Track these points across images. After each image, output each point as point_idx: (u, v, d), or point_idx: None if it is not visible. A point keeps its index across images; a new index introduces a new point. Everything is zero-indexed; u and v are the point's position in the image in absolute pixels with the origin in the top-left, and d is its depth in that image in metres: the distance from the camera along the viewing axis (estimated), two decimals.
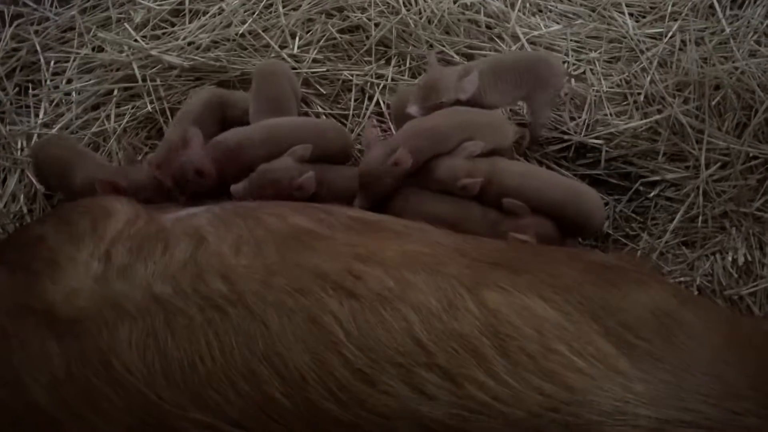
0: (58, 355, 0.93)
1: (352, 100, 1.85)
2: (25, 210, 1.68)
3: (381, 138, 1.53)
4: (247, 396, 0.88)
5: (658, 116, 1.78)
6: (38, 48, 1.96)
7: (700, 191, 1.67)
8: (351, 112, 1.83)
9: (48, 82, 1.91)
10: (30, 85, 1.92)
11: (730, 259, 1.58)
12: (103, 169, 1.50)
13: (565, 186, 1.49)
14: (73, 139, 1.76)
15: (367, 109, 1.84)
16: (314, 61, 1.90)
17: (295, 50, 1.91)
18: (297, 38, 1.93)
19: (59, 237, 1.09)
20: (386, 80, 1.87)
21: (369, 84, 1.87)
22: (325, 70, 1.88)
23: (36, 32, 2.01)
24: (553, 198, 1.43)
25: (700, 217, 1.64)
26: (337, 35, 1.93)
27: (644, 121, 1.78)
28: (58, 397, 0.91)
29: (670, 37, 1.95)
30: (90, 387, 0.91)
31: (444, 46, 1.90)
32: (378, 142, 1.47)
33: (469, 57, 1.90)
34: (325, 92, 1.86)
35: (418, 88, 1.56)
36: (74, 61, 1.94)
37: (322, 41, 1.93)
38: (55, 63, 1.95)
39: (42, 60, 1.95)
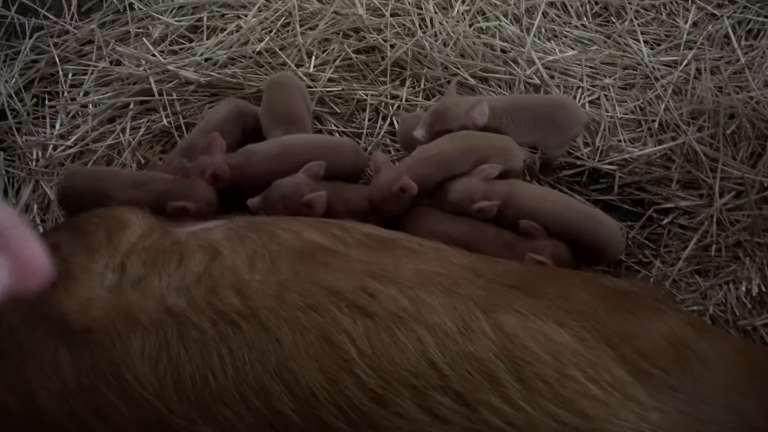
0: (69, 364, 0.93)
1: (366, 119, 1.86)
2: (38, 220, 1.69)
3: (390, 162, 1.53)
4: (258, 412, 0.87)
5: (672, 144, 1.78)
6: (57, 60, 1.99)
7: (714, 220, 1.66)
8: (365, 131, 1.84)
9: (65, 94, 1.93)
10: (47, 97, 1.94)
11: (743, 289, 1.57)
12: (153, 186, 1.43)
13: (583, 212, 1.48)
14: (96, 168, 1.73)
15: (380, 128, 1.85)
16: (330, 80, 1.91)
17: (311, 69, 1.92)
18: (313, 57, 1.95)
19: (74, 247, 1.10)
20: (400, 101, 1.88)
21: (383, 104, 1.88)
22: (340, 89, 1.90)
23: (55, 45, 2.03)
24: (570, 223, 1.42)
25: (714, 246, 1.63)
26: (353, 55, 1.95)
27: (658, 147, 1.78)
28: (68, 407, 0.90)
29: (685, 65, 1.95)
30: (100, 398, 0.90)
31: (459, 68, 1.92)
32: (386, 167, 1.48)
33: (484, 80, 1.91)
34: (339, 111, 1.87)
35: (428, 113, 1.56)
36: (92, 73, 1.96)
37: (338, 61, 1.94)
38: (73, 75, 1.97)
39: (60, 72, 1.97)
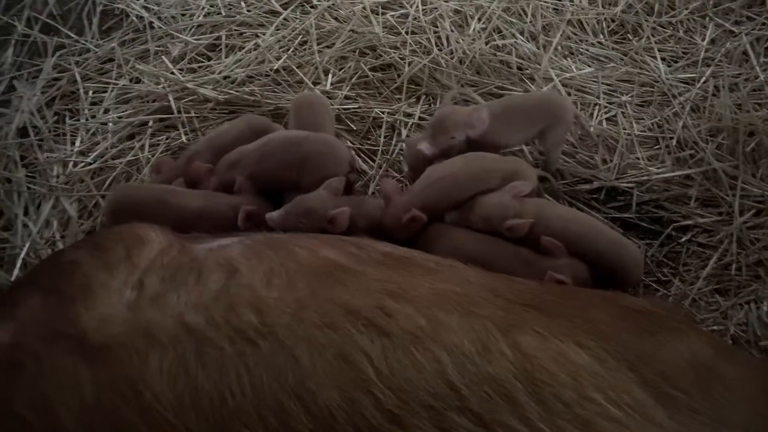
0: (88, 381, 0.93)
1: (382, 136, 1.87)
2: (57, 236, 1.70)
3: (398, 189, 1.52)
4: (275, 431, 0.86)
5: (695, 170, 1.77)
6: (78, 78, 2.02)
7: (734, 238, 1.64)
8: (380, 148, 1.84)
9: (86, 111, 1.96)
10: (68, 114, 1.97)
11: (765, 308, 1.54)
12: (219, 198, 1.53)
13: (609, 236, 1.47)
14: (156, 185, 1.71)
15: (395, 145, 1.85)
16: (346, 97, 1.93)
17: (328, 87, 1.94)
18: (330, 75, 1.96)
19: (93, 263, 1.10)
20: (415, 118, 1.89)
21: (399, 121, 1.89)
22: (356, 106, 1.91)
23: (77, 63, 2.07)
24: (596, 247, 1.42)
25: (734, 265, 1.61)
26: (369, 73, 1.96)
27: (679, 172, 1.76)
28: (86, 424, 0.90)
29: (703, 83, 1.95)
30: (119, 415, 0.90)
31: (475, 86, 1.92)
32: (396, 195, 1.47)
33: (499, 98, 1.91)
34: (355, 128, 1.88)
35: (428, 124, 1.57)
36: (112, 91, 1.99)
37: (354, 78, 1.96)
38: (93, 93, 2.00)
39: (81, 90, 2.00)
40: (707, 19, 2.15)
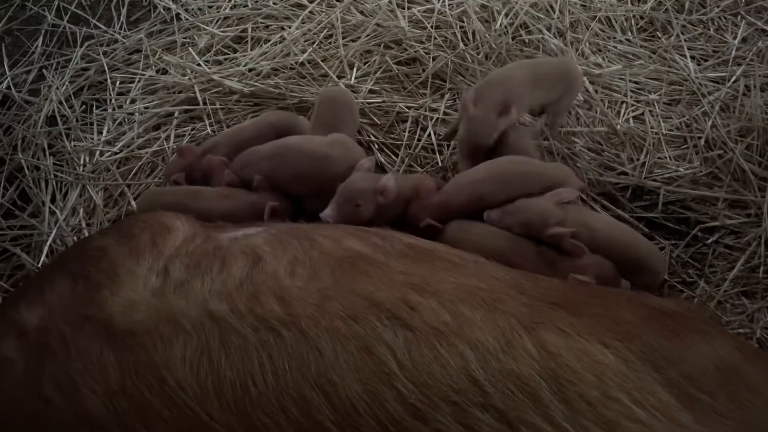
0: (113, 366, 0.94)
1: (407, 131, 1.86)
2: (83, 224, 1.72)
3: (433, 189, 1.50)
4: (296, 422, 0.86)
5: (722, 169, 1.74)
6: (106, 68, 2.04)
7: (762, 241, 1.61)
8: (404, 143, 1.84)
9: (113, 101, 1.98)
10: (95, 104, 1.99)
11: None
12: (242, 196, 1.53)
13: (646, 243, 1.48)
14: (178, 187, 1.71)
15: (419, 140, 1.84)
16: (370, 91, 1.92)
17: (353, 80, 1.94)
18: (355, 69, 1.96)
19: (120, 250, 1.11)
20: (439, 114, 1.88)
21: (422, 116, 1.88)
22: (381, 101, 1.90)
23: (104, 53, 2.09)
24: (636, 254, 1.42)
25: (762, 268, 1.59)
26: (394, 67, 1.95)
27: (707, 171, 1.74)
28: (111, 409, 0.91)
29: (734, 82, 1.91)
30: (143, 401, 0.91)
31: None
32: (426, 195, 1.46)
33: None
34: (379, 122, 1.88)
35: (459, 142, 1.55)
36: (139, 82, 2.01)
37: (379, 72, 1.95)
38: (120, 83, 2.02)
39: (108, 80, 2.02)
40: (739, 17, 2.12)
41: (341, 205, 1.41)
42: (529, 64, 1.69)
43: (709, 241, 1.66)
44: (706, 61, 2.01)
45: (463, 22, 2.06)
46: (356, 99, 1.88)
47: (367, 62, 1.99)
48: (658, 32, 2.09)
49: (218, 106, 1.92)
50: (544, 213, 1.39)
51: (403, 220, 1.48)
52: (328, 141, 1.56)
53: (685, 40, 2.04)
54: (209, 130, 1.87)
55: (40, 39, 2.14)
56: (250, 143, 1.61)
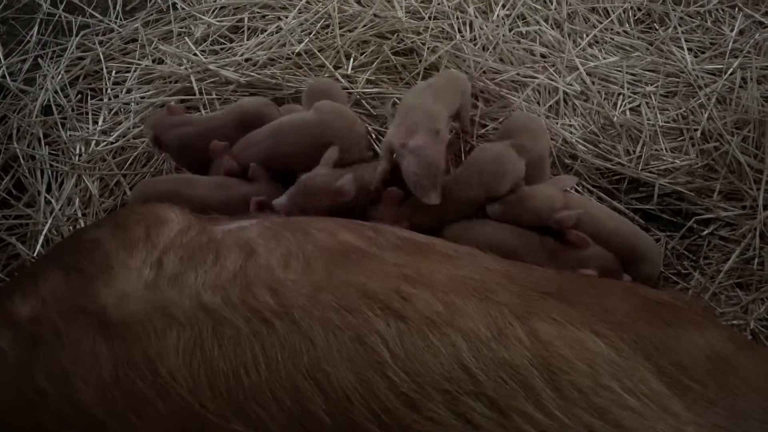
0: (106, 357, 0.94)
1: None
2: (79, 213, 1.72)
3: (398, 198, 1.48)
4: (289, 412, 0.87)
5: (717, 160, 1.74)
6: (101, 58, 2.03)
7: (758, 232, 1.61)
8: None
9: (109, 90, 1.97)
10: (91, 93, 1.98)
11: None
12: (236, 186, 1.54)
13: (644, 235, 1.49)
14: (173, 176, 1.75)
15: None
16: (367, 81, 1.92)
17: (349, 71, 1.93)
18: (351, 59, 1.95)
19: (114, 242, 1.11)
20: None
21: None
22: (377, 91, 1.90)
23: (100, 42, 2.08)
24: (635, 243, 1.44)
25: (756, 259, 1.59)
26: (392, 57, 1.95)
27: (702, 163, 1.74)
28: (104, 399, 0.91)
29: (730, 74, 1.91)
30: (136, 392, 0.91)
31: (498, 73, 1.90)
32: (390, 205, 1.46)
33: (523, 85, 1.89)
34: (376, 113, 1.87)
35: (416, 178, 1.42)
36: (135, 71, 2.00)
37: (376, 63, 1.95)
38: (116, 73, 2.01)
39: (104, 69, 2.01)
40: (736, 9, 2.11)
41: (295, 196, 1.41)
42: (426, 86, 1.64)
43: (705, 233, 1.66)
44: (703, 53, 2.00)
45: (462, 12, 2.05)
46: (353, 89, 1.87)
47: (363, 53, 1.98)
48: (655, 24, 2.09)
49: (214, 96, 1.91)
50: (551, 198, 1.40)
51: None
52: (316, 108, 1.58)
53: (682, 32, 2.04)
54: None
55: (36, 28, 2.13)
56: (219, 130, 1.61)
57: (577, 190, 1.69)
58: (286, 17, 2.07)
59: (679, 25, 2.06)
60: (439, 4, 2.06)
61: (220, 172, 1.56)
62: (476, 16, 2.04)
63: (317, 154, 1.51)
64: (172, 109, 1.64)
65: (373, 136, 1.83)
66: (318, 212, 1.38)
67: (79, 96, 1.97)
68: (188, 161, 1.67)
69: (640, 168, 1.74)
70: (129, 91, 1.96)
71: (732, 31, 2.03)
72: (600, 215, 1.43)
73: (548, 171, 1.57)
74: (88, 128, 1.89)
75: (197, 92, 1.91)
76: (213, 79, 1.94)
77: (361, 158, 1.59)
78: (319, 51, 1.96)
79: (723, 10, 2.11)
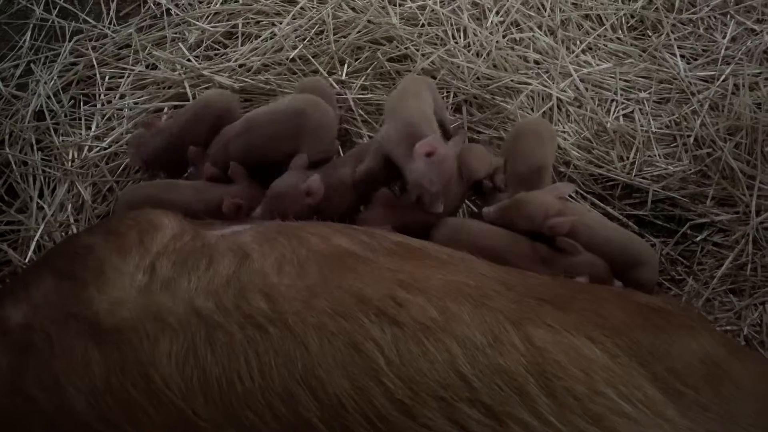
0: (98, 363, 0.93)
1: None
2: (71, 219, 1.71)
3: (390, 199, 1.49)
4: (283, 419, 0.86)
5: (711, 167, 1.75)
6: (95, 63, 2.02)
7: (750, 238, 1.62)
8: None
9: (102, 96, 1.96)
10: (84, 99, 1.97)
11: None
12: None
13: (641, 243, 1.49)
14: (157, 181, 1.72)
15: None
16: (362, 87, 1.92)
17: (344, 77, 1.93)
18: (346, 65, 1.95)
19: (107, 248, 1.11)
20: None
21: None
22: (371, 96, 1.90)
23: (93, 48, 2.07)
24: (632, 251, 1.44)
25: (749, 265, 1.60)
26: (386, 63, 1.95)
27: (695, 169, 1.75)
28: (96, 406, 0.91)
29: (723, 81, 1.92)
30: (128, 398, 0.90)
31: (491, 80, 1.91)
32: (379, 206, 1.46)
33: (517, 91, 1.90)
34: (370, 119, 1.87)
35: (434, 187, 1.43)
36: (128, 77, 1.99)
37: (370, 69, 1.95)
38: (109, 78, 2.01)
39: (97, 75, 2.00)
40: (728, 16, 2.12)
41: (268, 205, 1.43)
42: (401, 91, 1.63)
43: (698, 238, 1.67)
44: (695, 59, 2.01)
45: (458, 18, 2.05)
46: (347, 95, 1.87)
47: (358, 59, 1.98)
48: (648, 31, 2.10)
49: None
50: (545, 204, 1.40)
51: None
52: (291, 98, 1.62)
53: (675, 39, 2.05)
54: None
55: (28, 33, 2.12)
56: (186, 128, 1.62)
57: (571, 197, 1.69)
58: (281, 23, 2.07)
59: (672, 32, 2.07)
60: (433, 11, 2.07)
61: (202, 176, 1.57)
62: (470, 23, 2.04)
63: (294, 143, 1.54)
64: (148, 123, 1.64)
65: (365, 140, 1.83)
66: (300, 216, 1.38)
67: (72, 101, 1.96)
68: (169, 170, 1.68)
69: (633, 174, 1.74)
70: (122, 96, 1.96)
71: (724, 38, 2.05)
72: (595, 224, 1.43)
73: (548, 180, 1.56)
74: (80, 134, 1.88)
75: (191, 98, 1.90)
76: (207, 85, 1.93)
77: (331, 149, 1.63)
78: (313, 57, 1.96)
79: (715, 18, 2.12)
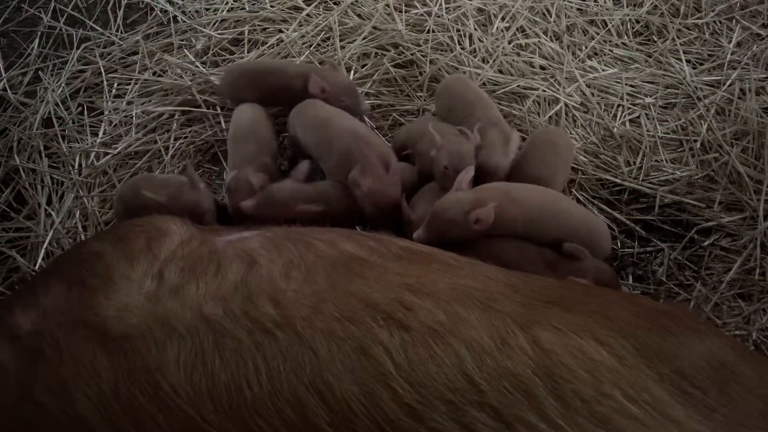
0: (107, 370, 0.94)
1: None
2: (79, 226, 1.72)
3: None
4: (292, 424, 0.86)
5: (718, 172, 1.75)
6: (102, 70, 2.03)
7: (758, 243, 1.61)
8: None
9: (109, 103, 1.97)
10: (92, 106, 1.98)
11: None
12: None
13: (580, 211, 1.49)
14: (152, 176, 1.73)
15: None
16: (367, 94, 1.92)
17: None
18: (352, 71, 1.96)
19: (115, 254, 1.11)
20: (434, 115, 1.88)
21: None
22: (378, 103, 1.90)
23: (101, 55, 2.08)
24: (569, 221, 1.42)
25: (758, 270, 1.59)
26: (392, 69, 1.95)
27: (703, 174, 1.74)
28: (104, 413, 0.91)
29: (729, 85, 1.92)
30: (136, 405, 0.91)
31: (497, 85, 1.91)
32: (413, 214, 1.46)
33: (524, 96, 1.90)
34: (376, 125, 1.88)
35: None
36: (136, 84, 2.00)
37: (377, 75, 1.95)
38: (117, 85, 2.02)
39: (105, 82, 2.01)
40: (734, 21, 2.12)
41: (260, 206, 1.47)
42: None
43: (706, 243, 1.66)
44: (701, 64, 2.01)
45: (463, 24, 2.06)
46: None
47: (364, 65, 1.99)
48: (653, 36, 2.10)
49: (219, 111, 1.91)
50: (459, 202, 1.35)
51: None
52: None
53: (680, 44, 2.05)
54: (207, 132, 1.87)
55: (36, 41, 2.14)
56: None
57: (579, 201, 1.69)
58: (287, 30, 2.08)
59: (678, 37, 2.07)
60: (438, 17, 2.07)
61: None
62: (476, 29, 2.05)
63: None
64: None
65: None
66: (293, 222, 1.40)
67: (80, 108, 1.97)
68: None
69: (640, 179, 1.74)
70: (130, 103, 1.97)
71: (730, 42, 2.05)
72: (522, 197, 1.39)
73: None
74: (88, 141, 1.89)
75: (200, 104, 1.91)
76: (214, 92, 1.94)
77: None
78: (319, 63, 1.97)
79: (721, 22, 2.12)
